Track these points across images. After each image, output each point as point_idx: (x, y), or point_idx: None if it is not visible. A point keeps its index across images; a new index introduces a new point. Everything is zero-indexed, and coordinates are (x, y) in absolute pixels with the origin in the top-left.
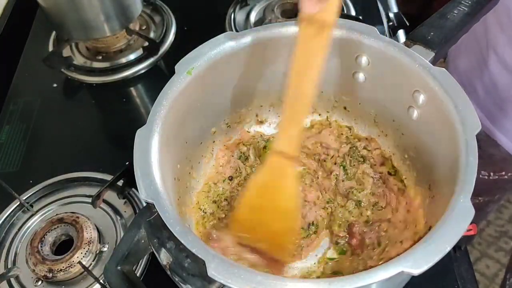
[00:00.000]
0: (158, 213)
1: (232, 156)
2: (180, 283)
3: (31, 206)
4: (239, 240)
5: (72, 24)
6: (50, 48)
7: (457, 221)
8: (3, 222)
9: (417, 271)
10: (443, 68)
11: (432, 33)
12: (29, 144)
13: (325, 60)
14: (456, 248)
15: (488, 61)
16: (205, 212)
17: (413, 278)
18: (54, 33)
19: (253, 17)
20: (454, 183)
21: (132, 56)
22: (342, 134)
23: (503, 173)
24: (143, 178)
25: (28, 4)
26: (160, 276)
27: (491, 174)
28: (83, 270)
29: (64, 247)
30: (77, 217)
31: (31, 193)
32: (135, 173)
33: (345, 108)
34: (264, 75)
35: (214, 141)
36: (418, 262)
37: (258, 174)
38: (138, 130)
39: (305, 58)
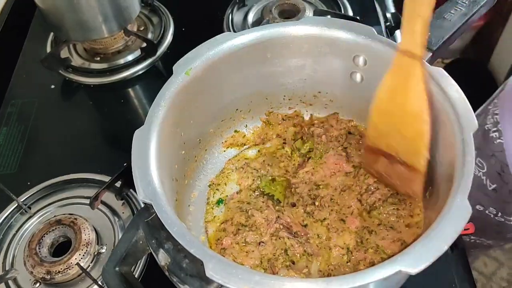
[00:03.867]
0: (156, 213)
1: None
2: (179, 284)
3: (29, 208)
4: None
5: (70, 25)
6: (48, 50)
7: (454, 220)
8: (1, 224)
9: (414, 270)
10: (440, 68)
11: (429, 33)
12: (27, 146)
13: None
14: (453, 246)
15: None
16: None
17: (411, 276)
18: (52, 34)
19: (251, 18)
20: (451, 183)
21: (130, 57)
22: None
23: None
24: (141, 178)
25: (26, 5)
26: (158, 277)
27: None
28: (81, 271)
29: (62, 248)
30: (75, 219)
31: (29, 195)
32: (133, 173)
33: (342, 107)
34: (262, 75)
35: (212, 141)
36: (415, 261)
37: (386, 77)
38: (136, 130)
39: None
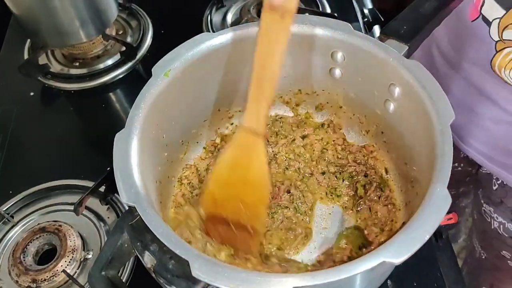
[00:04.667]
0: (140, 216)
1: (213, 155)
2: (165, 285)
3: (12, 217)
4: (209, 215)
5: (46, 31)
6: (26, 56)
7: (435, 210)
8: None
9: (397, 260)
10: (417, 61)
11: (405, 27)
12: (7, 154)
13: (286, 44)
14: (438, 237)
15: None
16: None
17: (397, 267)
18: (28, 40)
19: (229, 18)
20: (431, 173)
21: (109, 62)
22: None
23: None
24: (123, 181)
25: (1, 11)
26: (146, 280)
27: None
28: (67, 278)
29: (47, 256)
30: (60, 226)
31: (11, 204)
32: (115, 176)
33: (321, 103)
34: (242, 74)
35: (195, 142)
36: (398, 252)
37: (227, 150)
38: (117, 133)
39: (268, 43)
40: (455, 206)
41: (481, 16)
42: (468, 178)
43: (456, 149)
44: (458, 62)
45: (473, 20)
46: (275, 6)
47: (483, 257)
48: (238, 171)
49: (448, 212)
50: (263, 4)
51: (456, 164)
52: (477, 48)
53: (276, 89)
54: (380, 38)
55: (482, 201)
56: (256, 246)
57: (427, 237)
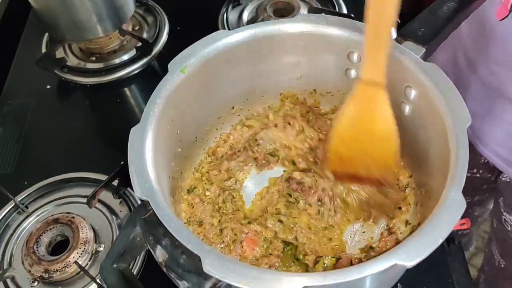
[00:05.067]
0: (153, 210)
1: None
2: (176, 280)
3: (26, 207)
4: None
5: (64, 25)
6: (43, 50)
7: (448, 214)
8: None
9: (410, 263)
10: (434, 64)
11: (422, 29)
12: (24, 146)
13: None
14: (450, 242)
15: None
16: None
17: (408, 270)
18: (47, 34)
19: (245, 16)
20: (445, 177)
21: (125, 57)
22: None
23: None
24: (137, 175)
25: (21, 5)
26: (156, 274)
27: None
28: (79, 270)
29: (60, 247)
30: (73, 217)
31: (26, 194)
32: (129, 170)
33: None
34: (258, 72)
35: (208, 139)
36: (411, 255)
37: (347, 106)
38: (132, 128)
39: None
40: (469, 215)
41: (511, 14)
42: (485, 186)
43: (476, 153)
44: (482, 64)
45: (501, 19)
46: None
47: (502, 265)
48: (363, 125)
49: (461, 218)
50: None
51: (475, 170)
52: (504, 48)
53: (292, 88)
54: (396, 40)
55: (503, 210)
56: (393, 199)
57: (440, 241)
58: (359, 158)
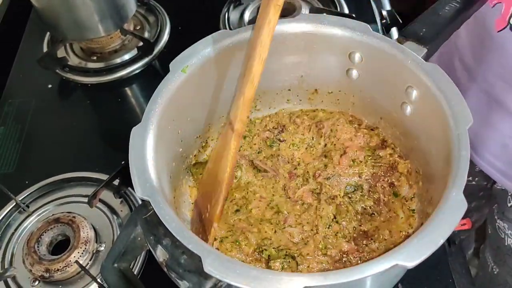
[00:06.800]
0: (154, 210)
1: None
2: (177, 280)
3: (27, 206)
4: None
5: (66, 24)
6: (45, 49)
7: (450, 214)
8: None
9: (411, 263)
10: (436, 64)
11: (424, 30)
12: (25, 145)
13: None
14: (451, 242)
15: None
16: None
17: (409, 271)
18: (48, 34)
19: (247, 16)
20: (447, 177)
21: (126, 56)
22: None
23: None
24: (138, 175)
25: (22, 5)
26: (157, 274)
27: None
28: (80, 269)
29: (61, 247)
30: (74, 217)
31: (27, 194)
32: (130, 170)
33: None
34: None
35: (209, 139)
36: (412, 255)
37: (218, 140)
38: (133, 128)
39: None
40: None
41: (509, 26)
42: (481, 192)
43: (471, 162)
44: (480, 74)
45: (499, 31)
46: None
47: (495, 272)
48: (214, 162)
49: (462, 218)
50: None
51: (471, 178)
52: (502, 60)
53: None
54: (398, 40)
55: (496, 217)
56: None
57: (442, 241)
58: (209, 191)
